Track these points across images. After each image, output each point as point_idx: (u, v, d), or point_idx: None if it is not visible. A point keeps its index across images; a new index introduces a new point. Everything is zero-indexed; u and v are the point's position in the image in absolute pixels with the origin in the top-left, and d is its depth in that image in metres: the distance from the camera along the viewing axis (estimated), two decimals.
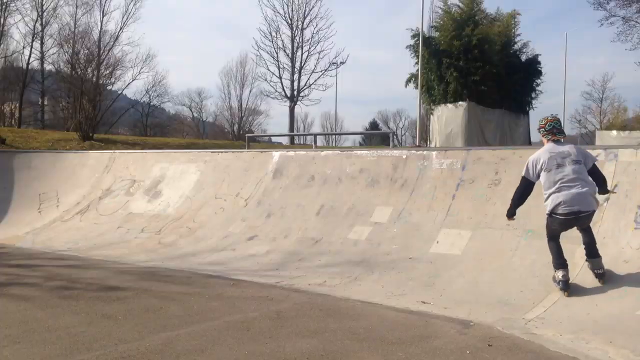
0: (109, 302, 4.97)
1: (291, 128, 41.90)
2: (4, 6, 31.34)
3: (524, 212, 6.16)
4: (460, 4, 22.31)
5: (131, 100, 45.32)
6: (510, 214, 5.32)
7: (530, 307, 4.79)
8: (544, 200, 5.01)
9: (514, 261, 5.64)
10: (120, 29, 36.42)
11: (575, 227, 4.98)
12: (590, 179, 4.88)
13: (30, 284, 5.80)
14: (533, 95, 24.45)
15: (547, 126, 5.09)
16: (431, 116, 22.50)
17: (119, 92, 37.45)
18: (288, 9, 39.57)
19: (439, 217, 6.72)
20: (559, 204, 4.79)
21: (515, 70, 22.35)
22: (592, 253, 4.89)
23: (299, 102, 40.76)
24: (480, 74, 20.38)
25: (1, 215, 10.69)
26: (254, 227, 8.00)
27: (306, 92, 40.31)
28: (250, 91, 48.58)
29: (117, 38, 36.02)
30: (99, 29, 36.17)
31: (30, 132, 26.03)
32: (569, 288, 4.82)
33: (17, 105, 34.31)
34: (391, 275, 5.96)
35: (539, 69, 23.97)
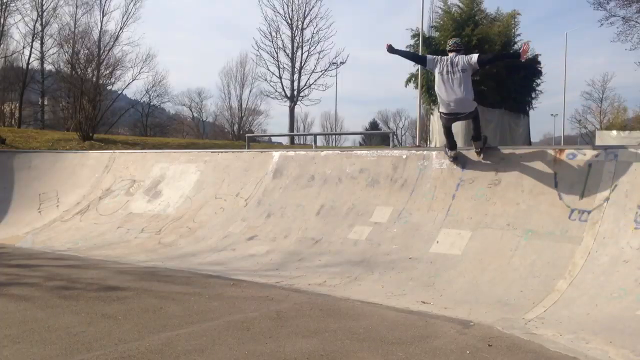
0: (109, 302, 4.97)
1: (291, 128, 41.92)
2: (4, 6, 31.37)
3: (524, 212, 6.18)
4: (460, 4, 22.31)
5: (131, 100, 45.36)
6: (391, 49, 6.93)
7: (530, 307, 4.79)
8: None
9: (514, 261, 5.64)
10: (120, 29, 36.49)
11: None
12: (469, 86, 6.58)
13: (30, 284, 5.80)
14: (533, 95, 24.44)
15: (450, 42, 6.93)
16: (431, 116, 22.50)
17: (119, 92, 37.51)
18: (288, 9, 39.62)
19: (439, 217, 6.72)
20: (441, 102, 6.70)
21: (515, 70, 22.34)
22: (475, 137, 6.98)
23: (299, 102, 40.81)
24: (480, 74, 20.36)
25: (1, 215, 10.69)
26: (254, 227, 8.00)
27: (306, 92, 40.37)
28: (250, 91, 48.60)
29: (117, 38, 36.10)
30: (99, 29, 36.25)
31: (30, 132, 26.04)
32: (456, 160, 7.16)
33: (17, 105, 34.33)
34: (391, 275, 5.96)
35: (539, 69, 23.97)
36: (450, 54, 6.70)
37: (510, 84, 22.04)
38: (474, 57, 6.60)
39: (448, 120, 6.90)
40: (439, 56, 6.80)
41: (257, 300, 5.14)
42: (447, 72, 6.55)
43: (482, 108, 22.12)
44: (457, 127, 20.69)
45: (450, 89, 6.55)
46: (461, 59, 6.57)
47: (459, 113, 6.71)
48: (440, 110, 6.93)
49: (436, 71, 6.72)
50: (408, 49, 22.39)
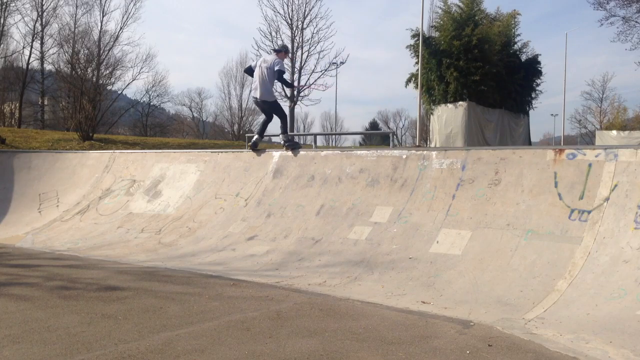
0: (109, 302, 4.97)
1: (291, 128, 41.81)
2: (4, 6, 31.36)
3: (524, 212, 6.18)
4: (460, 4, 22.32)
5: (131, 100, 45.37)
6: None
7: (530, 307, 4.79)
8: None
9: (514, 261, 5.65)
10: (120, 29, 36.51)
11: None
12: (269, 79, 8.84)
13: (30, 284, 5.80)
14: (533, 95, 24.48)
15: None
16: (431, 116, 22.52)
17: (119, 92, 37.50)
18: (288, 9, 39.51)
19: (439, 217, 6.72)
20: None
21: (515, 70, 22.37)
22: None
23: (298, 102, 40.71)
24: (480, 74, 20.40)
25: (1, 215, 10.69)
26: (254, 227, 8.01)
27: (306, 92, 40.27)
28: (250, 91, 48.58)
29: (117, 38, 36.09)
30: (99, 29, 36.25)
31: (30, 132, 26.03)
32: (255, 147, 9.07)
33: (17, 105, 34.33)
34: (391, 275, 5.96)
35: (539, 68, 24.01)
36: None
37: (510, 84, 22.08)
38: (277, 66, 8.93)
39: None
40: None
41: (257, 300, 5.14)
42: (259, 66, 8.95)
43: (482, 108, 22.27)
44: (457, 127, 20.75)
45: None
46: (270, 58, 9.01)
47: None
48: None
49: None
50: (412, 49, 22.44)
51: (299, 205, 8.08)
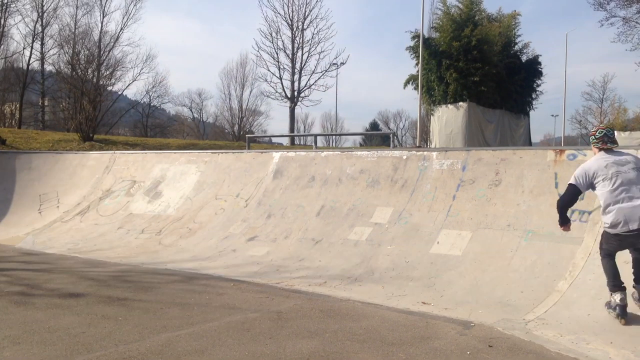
0: (109, 303, 4.97)
1: (291, 129, 41.80)
2: (4, 7, 31.37)
3: (525, 213, 6.18)
4: (459, 5, 22.31)
5: (131, 101, 45.37)
6: (564, 222, 4.66)
7: (530, 307, 4.78)
8: (601, 213, 4.45)
9: (514, 262, 5.64)
10: (121, 29, 36.48)
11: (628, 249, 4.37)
12: None
13: (30, 285, 5.80)
14: (533, 95, 24.46)
15: (597, 133, 4.57)
16: (431, 117, 22.51)
17: (119, 92, 37.51)
18: (288, 9, 39.53)
19: (440, 218, 6.72)
20: (618, 219, 4.19)
21: (515, 71, 22.36)
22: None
23: (299, 103, 40.71)
24: (480, 74, 20.39)
25: (1, 216, 10.70)
26: (254, 227, 8.00)
27: (306, 92, 40.27)
28: (250, 92, 48.63)
29: (117, 39, 36.07)
30: (99, 29, 36.24)
31: (30, 132, 26.03)
32: (626, 315, 4.21)
33: (18, 106, 34.32)
34: (391, 275, 5.96)
35: (540, 69, 23.99)
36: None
37: (510, 84, 22.07)
38: None
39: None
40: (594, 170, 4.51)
41: (257, 301, 5.13)
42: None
43: (483, 108, 22.23)
44: (458, 128, 20.76)
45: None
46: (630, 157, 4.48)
47: None
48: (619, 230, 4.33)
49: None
50: (412, 50, 22.42)
51: (300, 206, 8.08)
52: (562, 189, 6.10)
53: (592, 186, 4.50)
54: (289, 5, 39.09)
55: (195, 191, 9.61)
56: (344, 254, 6.71)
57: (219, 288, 5.68)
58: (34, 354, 3.59)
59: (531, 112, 24.97)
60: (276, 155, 9.44)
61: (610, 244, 4.39)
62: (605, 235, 4.44)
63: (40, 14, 35.16)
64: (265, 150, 10.42)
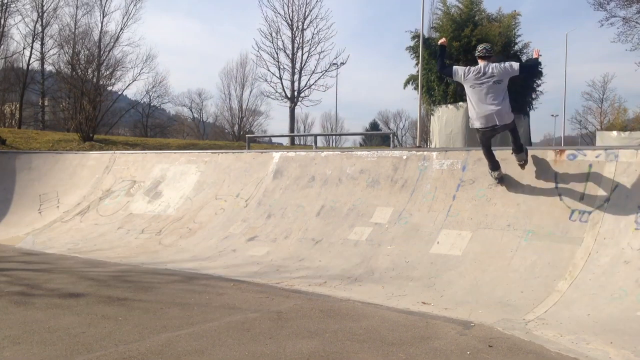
0: (109, 303, 4.97)
1: (291, 129, 41.81)
2: (4, 7, 31.38)
3: (525, 213, 6.18)
4: (459, 5, 22.31)
5: (131, 101, 45.37)
6: (442, 48, 6.72)
7: (530, 307, 4.78)
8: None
9: (514, 262, 5.64)
10: (121, 29, 36.49)
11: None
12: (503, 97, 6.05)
13: (30, 285, 5.80)
14: (533, 95, 24.45)
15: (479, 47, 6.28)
16: (431, 117, 22.51)
17: (119, 92, 37.51)
18: (288, 9, 39.55)
19: (440, 218, 6.72)
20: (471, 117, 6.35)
21: None
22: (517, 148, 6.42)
23: (299, 103, 40.73)
24: None
25: (1, 216, 10.70)
26: (254, 227, 8.00)
27: (306, 92, 40.29)
28: (250, 92, 48.65)
29: (117, 39, 36.08)
30: (99, 29, 36.25)
31: (30, 132, 26.04)
32: (504, 182, 6.58)
33: (18, 106, 34.33)
34: (391, 275, 5.96)
35: (540, 69, 23.96)
36: (481, 62, 6.13)
37: (510, 84, 22.07)
38: (515, 64, 6.10)
39: (484, 135, 6.34)
40: (467, 67, 6.22)
41: (257, 301, 5.14)
42: (479, 83, 6.06)
43: None
44: (458, 128, 20.77)
45: (482, 101, 6.05)
46: (495, 68, 6.04)
47: (495, 126, 6.15)
48: (475, 125, 6.36)
49: (466, 84, 6.20)
50: (412, 50, 22.42)
51: (300, 206, 8.08)
52: (563, 189, 6.13)
53: (461, 79, 6.21)
54: (289, 5, 39.15)
55: (195, 191, 9.61)
56: (344, 254, 6.71)
57: (219, 288, 5.68)
58: (34, 354, 3.59)
59: (531, 112, 24.95)
60: (276, 155, 9.44)
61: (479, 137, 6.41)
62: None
63: (40, 14, 35.17)
64: (265, 150, 10.42)
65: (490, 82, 6.00)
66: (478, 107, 6.12)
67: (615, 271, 5.00)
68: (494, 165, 6.50)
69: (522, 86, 22.93)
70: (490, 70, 6.03)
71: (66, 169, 11.83)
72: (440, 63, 6.69)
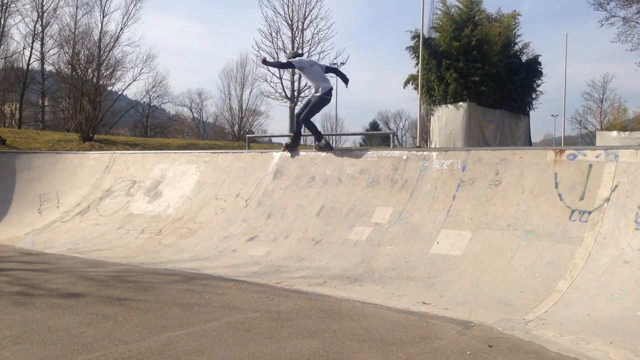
0: (109, 303, 4.97)
1: (291, 129, 41.82)
2: (4, 7, 31.37)
3: (525, 213, 6.18)
4: (459, 5, 22.32)
5: (131, 101, 45.39)
6: (265, 62, 9.03)
7: (530, 307, 4.78)
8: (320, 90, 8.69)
9: (514, 262, 5.64)
10: (121, 29, 36.49)
11: None
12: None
13: (30, 285, 5.80)
14: (533, 95, 24.48)
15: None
16: (431, 117, 22.52)
17: (119, 92, 37.50)
18: (288, 9, 39.51)
19: (440, 218, 6.72)
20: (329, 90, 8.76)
21: (515, 71, 22.37)
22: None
23: (299, 103, 40.70)
24: (480, 74, 20.40)
25: (1, 216, 10.70)
26: (254, 227, 8.01)
27: (306, 92, 40.24)
28: (250, 92, 48.69)
29: (117, 39, 36.08)
30: (99, 29, 36.24)
31: (30, 132, 26.03)
32: (332, 149, 8.65)
33: (18, 106, 34.34)
34: (391, 275, 5.96)
35: (540, 69, 23.99)
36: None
37: (510, 84, 22.07)
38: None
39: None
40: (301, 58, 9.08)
41: (257, 301, 5.14)
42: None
43: (483, 108, 22.23)
44: (458, 128, 20.72)
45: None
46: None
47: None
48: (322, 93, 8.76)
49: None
50: (412, 50, 22.42)
51: (300, 206, 8.08)
52: (563, 189, 6.13)
53: (298, 69, 8.92)
54: (289, 5, 39.10)
55: (195, 191, 9.61)
56: (344, 254, 6.71)
57: (219, 288, 5.68)
58: (34, 354, 3.59)
59: (531, 112, 24.99)
60: (276, 155, 9.44)
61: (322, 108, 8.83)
62: (321, 100, 8.78)
63: (40, 14, 35.17)
64: (265, 150, 10.41)
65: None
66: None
67: (615, 271, 5.00)
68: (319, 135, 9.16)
69: (522, 86, 22.98)
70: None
71: (66, 169, 11.83)
72: (278, 66, 9.40)
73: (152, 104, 48.49)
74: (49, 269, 6.81)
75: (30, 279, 6.21)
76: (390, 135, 16.39)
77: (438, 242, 6.37)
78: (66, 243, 8.80)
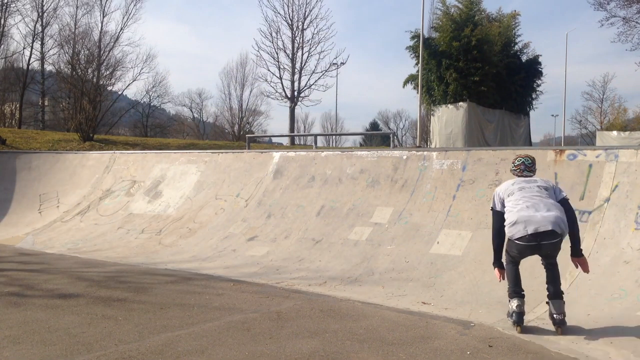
0: (109, 303, 4.97)
1: (291, 129, 41.74)
2: (4, 7, 31.35)
3: None
4: (459, 5, 22.30)
5: (131, 101, 45.34)
6: (499, 264, 4.59)
7: (530, 307, 4.78)
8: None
9: None
10: (121, 29, 36.43)
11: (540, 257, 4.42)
12: (559, 205, 4.31)
13: (30, 285, 5.80)
14: (534, 95, 24.46)
15: (516, 161, 4.65)
16: (431, 117, 22.51)
17: (119, 92, 37.47)
18: (288, 9, 39.50)
19: (440, 218, 6.71)
20: (517, 227, 4.22)
21: (515, 71, 22.35)
22: (555, 293, 4.22)
23: (299, 103, 40.68)
24: (480, 74, 20.39)
25: (2, 215, 10.70)
26: (254, 227, 8.00)
27: (306, 92, 40.24)
28: (250, 92, 48.59)
29: (117, 39, 36.03)
30: (99, 29, 36.19)
31: (30, 132, 26.02)
32: (522, 322, 4.23)
33: (18, 106, 34.30)
34: (391, 275, 5.96)
35: (540, 69, 23.98)
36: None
37: (510, 84, 22.06)
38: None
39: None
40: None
41: (257, 300, 5.13)
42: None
43: (483, 108, 22.20)
44: (458, 128, 20.75)
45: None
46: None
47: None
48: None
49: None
50: (412, 50, 22.42)
51: (300, 206, 8.08)
52: (563, 189, 6.10)
53: (503, 204, 4.48)
54: (289, 5, 39.08)
55: (195, 191, 9.61)
56: (344, 254, 6.71)
57: (218, 288, 5.68)
58: (34, 354, 3.58)
59: (531, 112, 24.97)
60: (276, 155, 9.44)
61: (512, 251, 4.37)
62: (508, 243, 4.43)
63: (40, 14, 35.14)
64: (265, 150, 10.42)
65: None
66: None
67: (615, 271, 5.00)
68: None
69: (522, 86, 22.97)
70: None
71: (66, 169, 11.83)
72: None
73: (152, 104, 48.47)
74: (49, 269, 6.80)
75: (30, 279, 6.21)
76: (390, 135, 16.38)
77: (438, 242, 6.37)
78: (66, 243, 8.80)
